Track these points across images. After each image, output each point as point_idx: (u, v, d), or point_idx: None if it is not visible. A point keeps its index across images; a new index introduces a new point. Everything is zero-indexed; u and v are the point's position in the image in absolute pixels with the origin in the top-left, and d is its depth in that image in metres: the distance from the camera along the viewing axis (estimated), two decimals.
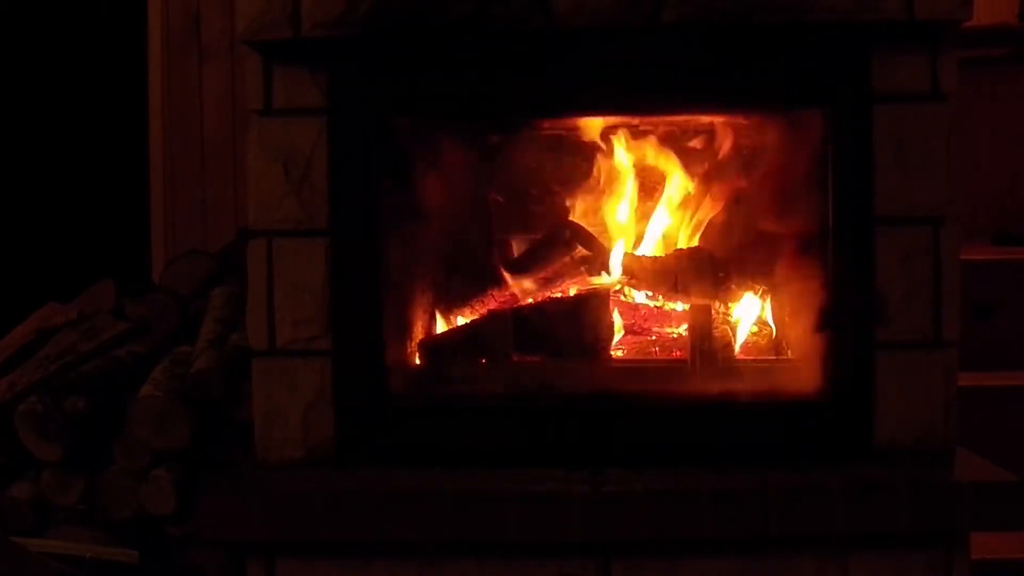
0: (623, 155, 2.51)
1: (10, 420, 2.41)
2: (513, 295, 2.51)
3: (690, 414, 2.21)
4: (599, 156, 2.52)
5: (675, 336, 2.46)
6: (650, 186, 2.56)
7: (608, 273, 2.50)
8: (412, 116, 2.30)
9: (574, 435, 2.20)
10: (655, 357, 2.43)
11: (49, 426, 2.39)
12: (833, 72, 2.17)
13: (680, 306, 2.48)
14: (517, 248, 2.61)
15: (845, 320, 2.18)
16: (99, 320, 2.69)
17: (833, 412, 2.19)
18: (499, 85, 2.22)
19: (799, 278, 2.28)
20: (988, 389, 2.97)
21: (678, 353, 2.41)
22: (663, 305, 2.50)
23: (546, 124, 2.49)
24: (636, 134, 2.50)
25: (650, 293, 2.49)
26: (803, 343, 2.27)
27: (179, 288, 2.85)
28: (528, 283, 2.52)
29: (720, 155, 2.49)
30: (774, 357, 2.40)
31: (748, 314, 2.43)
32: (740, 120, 2.44)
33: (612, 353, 2.40)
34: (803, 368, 2.25)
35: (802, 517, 2.02)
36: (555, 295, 2.51)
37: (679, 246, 2.53)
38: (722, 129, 2.47)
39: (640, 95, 2.22)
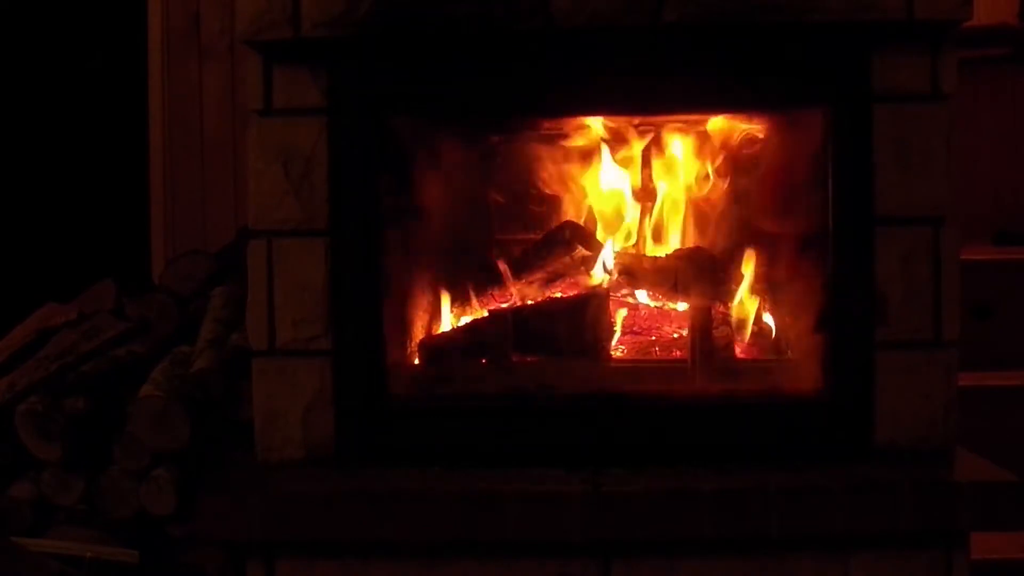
0: (622, 155, 2.51)
1: (10, 420, 2.40)
2: (513, 295, 2.51)
3: (690, 414, 2.21)
4: (599, 156, 2.52)
5: (675, 336, 2.46)
6: (650, 186, 2.56)
7: (608, 273, 2.50)
8: (412, 116, 2.30)
9: (574, 435, 2.19)
10: (655, 357, 2.43)
11: (49, 426, 2.39)
12: (833, 72, 2.17)
13: (680, 306, 2.48)
14: (517, 248, 2.61)
15: (845, 320, 2.18)
16: (99, 320, 2.69)
17: (833, 412, 2.19)
18: (499, 85, 2.22)
19: (799, 278, 2.28)
20: (988, 389, 2.97)
21: (678, 353, 2.41)
22: (663, 305, 2.50)
23: (546, 124, 2.49)
24: (636, 134, 2.50)
25: (650, 293, 2.49)
26: (803, 343, 2.28)
27: (179, 288, 2.85)
28: (528, 283, 2.51)
29: (720, 155, 2.49)
30: (774, 357, 2.40)
31: (748, 314, 2.43)
32: (740, 120, 2.44)
33: (612, 353, 2.40)
34: (803, 368, 2.25)
35: (802, 517, 2.02)
36: (555, 295, 2.51)
37: (679, 246, 2.53)
38: (722, 128, 2.47)
39: (640, 95, 2.22)
